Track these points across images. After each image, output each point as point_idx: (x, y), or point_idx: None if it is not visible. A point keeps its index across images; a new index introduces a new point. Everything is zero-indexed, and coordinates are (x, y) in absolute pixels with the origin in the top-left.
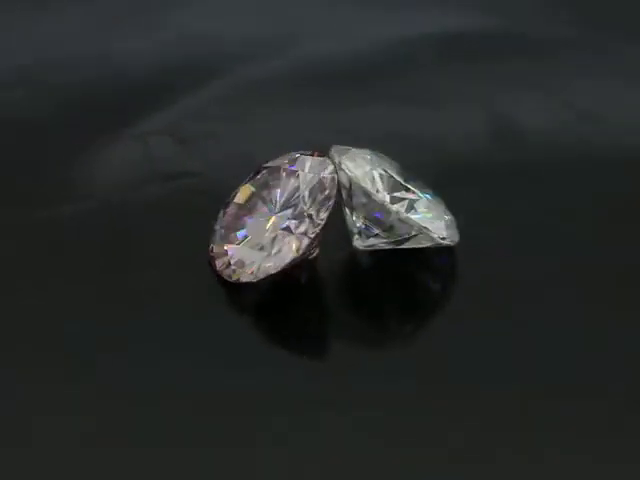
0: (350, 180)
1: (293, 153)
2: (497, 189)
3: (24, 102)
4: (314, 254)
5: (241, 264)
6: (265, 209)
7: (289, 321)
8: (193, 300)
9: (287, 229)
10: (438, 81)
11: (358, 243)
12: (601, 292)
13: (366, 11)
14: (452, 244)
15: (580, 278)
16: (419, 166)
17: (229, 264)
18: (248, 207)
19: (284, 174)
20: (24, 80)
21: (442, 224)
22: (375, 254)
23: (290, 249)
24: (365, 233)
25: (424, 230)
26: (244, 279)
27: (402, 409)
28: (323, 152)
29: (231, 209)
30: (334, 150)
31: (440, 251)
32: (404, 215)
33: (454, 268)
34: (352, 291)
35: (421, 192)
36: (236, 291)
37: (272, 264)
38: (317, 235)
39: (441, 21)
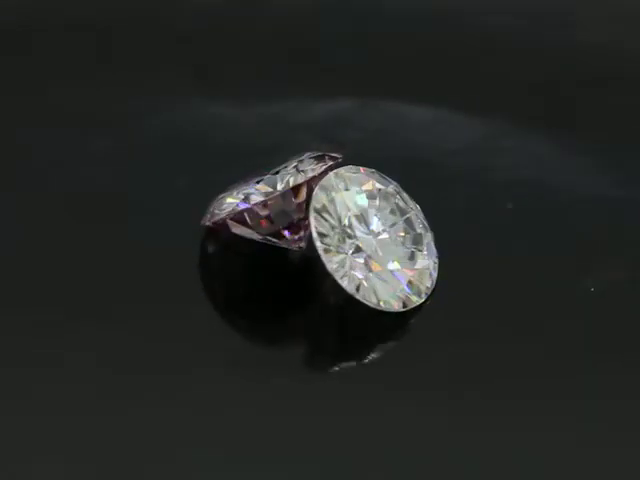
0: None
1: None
2: None
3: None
4: (294, 245)
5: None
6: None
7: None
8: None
9: (247, 194)
10: None
11: None
12: None
13: None
14: (387, 310)
15: None
16: None
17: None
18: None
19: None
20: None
21: (383, 286)
22: None
23: (234, 207)
24: None
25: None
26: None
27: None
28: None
29: None
30: (348, 165)
31: None
32: (324, 257)
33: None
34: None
35: (396, 243)
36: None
37: (215, 213)
38: (274, 214)
39: None
